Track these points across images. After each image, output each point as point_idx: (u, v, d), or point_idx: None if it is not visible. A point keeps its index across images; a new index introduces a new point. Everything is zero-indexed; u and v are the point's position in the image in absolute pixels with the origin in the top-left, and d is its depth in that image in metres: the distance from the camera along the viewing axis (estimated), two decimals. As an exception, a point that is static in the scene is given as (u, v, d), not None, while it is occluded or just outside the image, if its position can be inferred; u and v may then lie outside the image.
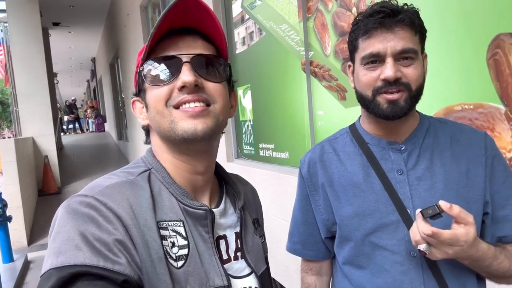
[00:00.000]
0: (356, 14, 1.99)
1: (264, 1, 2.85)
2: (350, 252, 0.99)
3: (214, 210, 0.72)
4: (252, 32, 3.09)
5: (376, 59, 0.88)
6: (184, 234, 0.65)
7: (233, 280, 0.71)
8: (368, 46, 0.88)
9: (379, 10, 0.86)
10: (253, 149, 3.25)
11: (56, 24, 11.75)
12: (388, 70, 0.85)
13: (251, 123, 3.24)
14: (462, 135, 0.96)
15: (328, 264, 1.12)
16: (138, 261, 0.58)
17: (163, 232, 0.63)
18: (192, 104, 0.65)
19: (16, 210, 5.13)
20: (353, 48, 0.94)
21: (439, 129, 0.97)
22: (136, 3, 7.10)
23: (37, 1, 8.09)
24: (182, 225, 0.66)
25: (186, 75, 0.64)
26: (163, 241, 0.63)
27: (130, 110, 9.50)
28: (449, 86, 1.52)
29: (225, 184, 0.82)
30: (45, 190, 7.84)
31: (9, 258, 4.58)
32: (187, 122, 0.64)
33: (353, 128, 1.04)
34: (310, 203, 1.07)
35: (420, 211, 0.79)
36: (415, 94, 0.88)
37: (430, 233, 0.76)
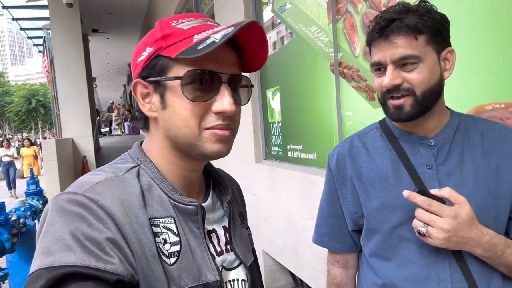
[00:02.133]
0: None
1: (294, 4, 2.88)
2: (377, 244, 1.00)
3: (203, 205, 0.71)
4: (283, 36, 3.12)
5: (380, 67, 0.92)
6: (175, 230, 0.65)
7: (224, 272, 0.73)
8: (373, 55, 0.94)
9: (378, 21, 0.90)
10: (281, 150, 3.27)
11: (95, 31, 12.27)
12: (385, 78, 0.90)
13: (280, 124, 3.27)
14: (494, 132, 0.96)
15: (354, 257, 1.14)
16: (132, 259, 0.57)
17: (155, 229, 0.62)
18: (222, 130, 0.66)
19: (55, 207, 5.37)
20: (370, 54, 0.99)
21: (470, 125, 0.97)
22: (170, 9, 7.32)
23: (78, 9, 8.49)
24: (173, 221, 0.65)
25: (228, 103, 0.63)
26: (156, 238, 0.62)
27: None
28: (479, 85, 1.50)
29: (212, 179, 0.81)
30: (82, 189, 8.16)
31: (48, 252, 4.81)
32: (214, 146, 0.65)
33: (383, 123, 1.06)
34: (338, 196, 1.09)
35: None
36: (422, 98, 0.89)
37: (407, 194, 0.83)
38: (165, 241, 0.63)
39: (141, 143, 0.74)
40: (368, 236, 1.03)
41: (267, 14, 3.46)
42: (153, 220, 0.63)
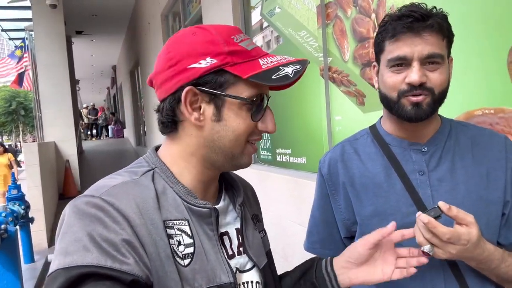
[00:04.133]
0: (375, 20, 2.00)
1: (283, 8, 2.89)
2: None
3: (216, 207, 0.73)
4: (270, 40, 3.13)
5: (402, 62, 0.88)
6: (189, 232, 0.66)
7: (238, 274, 0.73)
8: (395, 49, 0.89)
9: (408, 14, 0.87)
10: (270, 154, 3.27)
11: (79, 33, 12.10)
12: (414, 74, 0.86)
13: (269, 128, 3.27)
14: (483, 138, 0.97)
15: None
16: (147, 260, 0.59)
17: (169, 231, 0.64)
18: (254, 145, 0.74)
19: (37, 213, 5.25)
20: (379, 50, 0.95)
21: (460, 132, 0.98)
22: (157, 12, 7.26)
23: (62, 10, 8.35)
24: (187, 223, 0.67)
25: (274, 124, 0.72)
26: (170, 240, 0.63)
27: (149, 117, 9.65)
28: (469, 90, 1.52)
29: (224, 182, 0.83)
30: (65, 194, 8.01)
31: (30, 258, 4.69)
32: (249, 158, 0.74)
33: (373, 129, 1.05)
34: (330, 202, 1.07)
35: (422, 213, 0.78)
36: (438, 99, 0.89)
37: (426, 220, 0.77)
38: (179, 243, 0.65)
39: (156, 149, 0.76)
40: None
41: (255, 17, 3.47)
42: (167, 222, 0.65)
